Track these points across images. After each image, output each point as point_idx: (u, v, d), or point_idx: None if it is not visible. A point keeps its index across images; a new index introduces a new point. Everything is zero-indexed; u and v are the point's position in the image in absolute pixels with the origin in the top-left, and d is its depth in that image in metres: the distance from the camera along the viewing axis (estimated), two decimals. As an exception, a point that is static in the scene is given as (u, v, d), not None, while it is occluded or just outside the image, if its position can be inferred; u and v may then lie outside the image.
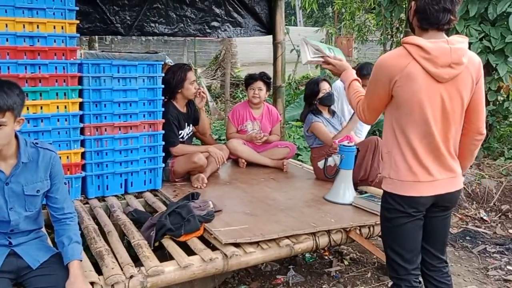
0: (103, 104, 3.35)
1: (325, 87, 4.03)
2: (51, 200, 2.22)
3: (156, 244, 2.80)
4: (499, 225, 4.34)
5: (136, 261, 2.56)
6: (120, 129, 3.45)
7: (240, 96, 10.98)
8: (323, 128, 3.94)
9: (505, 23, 5.28)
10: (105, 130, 3.39)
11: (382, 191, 3.63)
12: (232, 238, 2.71)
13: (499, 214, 4.50)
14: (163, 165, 3.70)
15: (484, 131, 2.20)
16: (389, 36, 8.37)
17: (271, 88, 4.85)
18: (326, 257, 3.65)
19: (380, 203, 3.12)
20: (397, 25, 8.37)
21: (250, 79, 4.51)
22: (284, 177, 4.16)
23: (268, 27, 5.10)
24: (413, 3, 2.08)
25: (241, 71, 12.26)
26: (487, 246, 3.90)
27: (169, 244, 2.74)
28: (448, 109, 2.05)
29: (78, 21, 3.21)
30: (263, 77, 4.51)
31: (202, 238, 2.84)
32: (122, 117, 3.44)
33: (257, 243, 2.75)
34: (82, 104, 3.28)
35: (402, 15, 7.78)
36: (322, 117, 4.05)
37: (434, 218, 2.22)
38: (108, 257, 2.49)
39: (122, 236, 2.97)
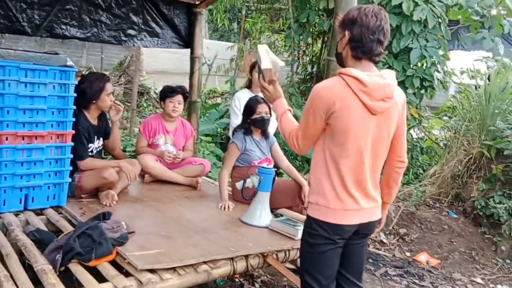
0: (5, 110, 3.02)
1: (261, 109, 3.76)
2: None
3: (62, 269, 2.55)
4: (397, 248, 4.61)
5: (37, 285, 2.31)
6: (23, 139, 3.13)
7: (144, 105, 10.64)
8: (232, 153, 3.80)
9: (407, 57, 5.74)
10: (6, 139, 3.05)
11: (298, 214, 3.67)
12: (148, 263, 2.54)
13: (397, 237, 4.78)
14: (70, 179, 3.42)
15: (406, 160, 2.32)
16: (296, 58, 8.65)
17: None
18: (237, 280, 3.60)
19: (296, 227, 3.17)
20: (304, 49, 8.71)
21: (171, 92, 4.33)
22: (198, 196, 4.04)
23: (187, 40, 4.99)
24: (346, 33, 2.11)
25: (146, 79, 11.92)
26: (388, 269, 4.11)
27: (77, 270, 2.50)
28: (377, 140, 2.13)
29: (-18, 18, 2.89)
30: (184, 90, 4.41)
31: (114, 263, 2.64)
32: (27, 125, 3.13)
33: (173, 268, 2.62)
34: (-19, 110, 2.94)
35: (309, 40, 8.13)
36: (251, 137, 3.84)
37: (353, 246, 2.28)
38: (8, 284, 2.23)
39: (21, 258, 2.68)
